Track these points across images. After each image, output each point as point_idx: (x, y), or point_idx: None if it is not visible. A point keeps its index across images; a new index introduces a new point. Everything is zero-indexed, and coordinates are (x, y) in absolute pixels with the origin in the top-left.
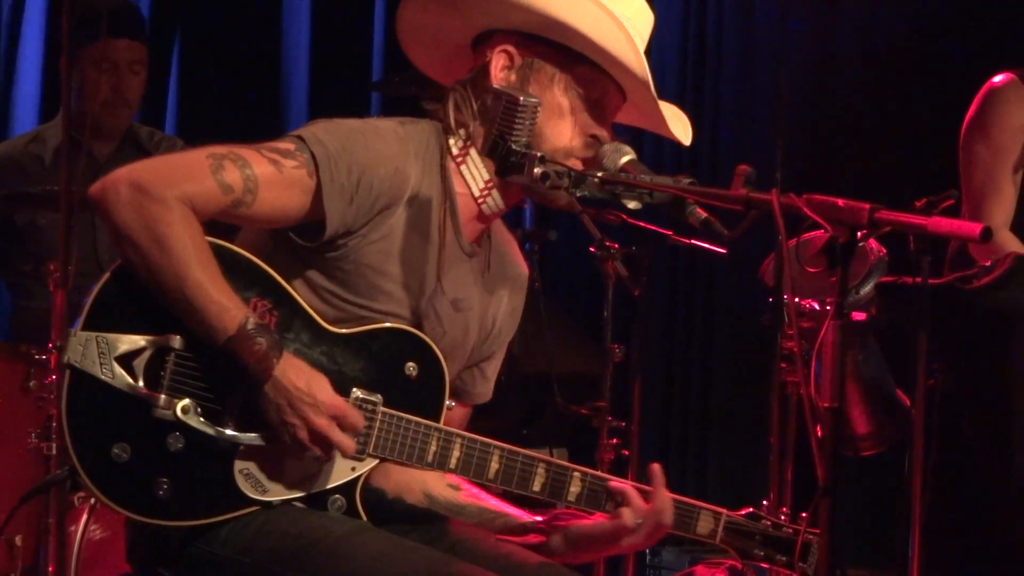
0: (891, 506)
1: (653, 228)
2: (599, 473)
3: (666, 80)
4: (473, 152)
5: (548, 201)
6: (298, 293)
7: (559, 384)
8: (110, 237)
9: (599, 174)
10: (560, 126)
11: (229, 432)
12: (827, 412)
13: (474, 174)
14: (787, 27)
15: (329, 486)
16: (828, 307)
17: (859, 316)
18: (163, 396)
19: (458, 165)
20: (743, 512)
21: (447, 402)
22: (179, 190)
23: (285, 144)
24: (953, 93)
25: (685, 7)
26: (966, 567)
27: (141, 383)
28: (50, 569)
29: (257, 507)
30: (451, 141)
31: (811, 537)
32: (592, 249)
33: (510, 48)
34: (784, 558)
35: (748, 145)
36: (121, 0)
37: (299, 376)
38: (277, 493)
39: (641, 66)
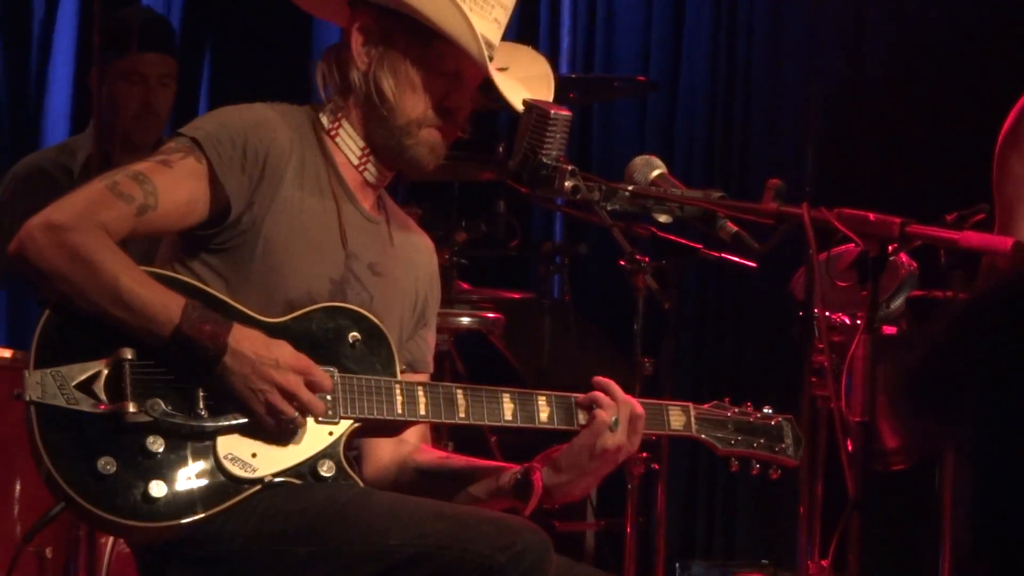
0: (921, 520)
1: (683, 242)
2: (562, 393)
3: (695, 93)
4: (345, 123)
5: (581, 209)
6: (225, 296)
7: None
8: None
9: (630, 188)
10: (414, 99)
11: (203, 422)
12: (857, 426)
13: (349, 144)
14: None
15: (315, 452)
16: (859, 321)
17: (890, 330)
18: (131, 404)
19: (332, 138)
20: (707, 406)
21: (399, 366)
22: (91, 219)
23: (168, 144)
24: (986, 104)
25: (715, 21)
26: None
27: (105, 399)
28: None
29: (253, 488)
30: (322, 117)
31: (781, 420)
32: (622, 263)
33: (369, 24)
34: (762, 440)
35: (779, 159)
36: (151, 13)
37: (255, 342)
38: (266, 468)
39: (480, 53)
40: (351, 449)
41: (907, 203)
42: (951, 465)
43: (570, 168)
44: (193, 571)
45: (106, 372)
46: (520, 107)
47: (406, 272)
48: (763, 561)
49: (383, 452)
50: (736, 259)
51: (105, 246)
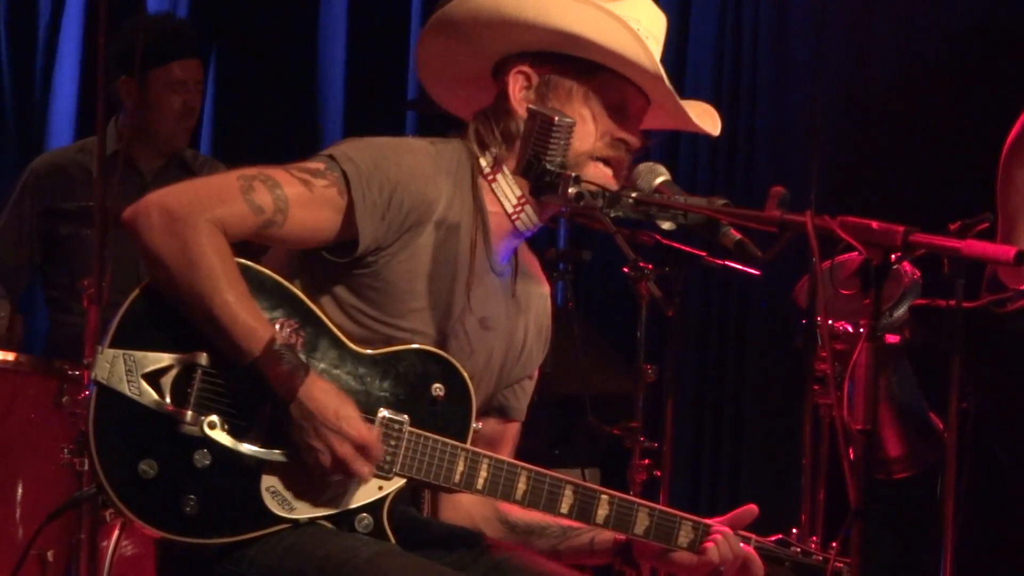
0: (923, 529)
1: (687, 249)
2: (627, 496)
3: (700, 100)
4: (505, 169)
5: (587, 217)
6: (325, 312)
7: (591, 404)
8: (142, 260)
9: (633, 194)
10: (583, 133)
11: (255, 449)
12: (859, 434)
13: (506, 192)
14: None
15: (356, 505)
16: (861, 329)
17: (892, 339)
18: (190, 412)
19: (489, 183)
20: (773, 539)
21: (474, 424)
22: (210, 213)
23: (315, 164)
24: (991, 114)
25: (720, 27)
26: None
27: (168, 400)
28: None
29: (284, 525)
30: (482, 161)
31: (841, 565)
32: (625, 269)
33: (525, 68)
34: None
35: (783, 167)
36: (178, 20)
37: (326, 400)
38: (303, 511)
39: (651, 61)
40: (401, 502)
41: (911, 212)
42: (952, 473)
43: (574, 175)
44: None
45: (177, 370)
46: (705, 127)
47: (517, 322)
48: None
49: (464, 498)
50: (739, 267)
51: (215, 251)
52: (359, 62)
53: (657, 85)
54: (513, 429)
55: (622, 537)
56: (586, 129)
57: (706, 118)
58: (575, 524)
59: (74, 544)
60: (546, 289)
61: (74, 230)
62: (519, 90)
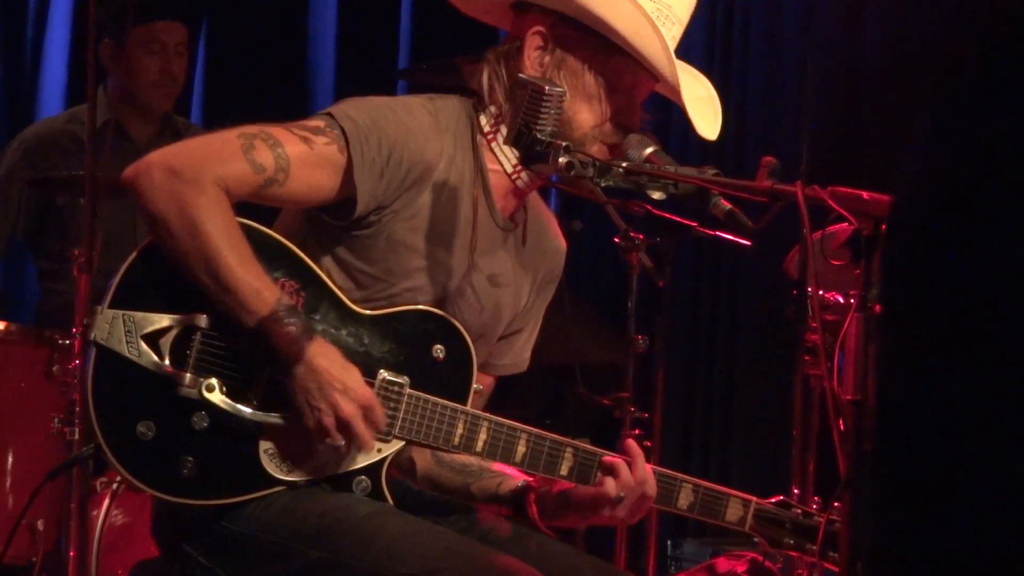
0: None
1: (678, 219)
2: (618, 456)
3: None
4: (504, 128)
5: (574, 187)
6: (329, 273)
7: (582, 374)
8: (144, 220)
9: (624, 164)
10: (588, 112)
11: (254, 412)
12: (850, 405)
13: (506, 151)
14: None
15: (355, 467)
16: (852, 300)
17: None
18: (188, 375)
19: (489, 142)
20: (773, 500)
21: (474, 385)
22: (212, 173)
23: (315, 122)
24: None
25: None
26: None
27: (167, 361)
28: (71, 554)
29: (282, 487)
30: (482, 118)
31: (839, 526)
32: (616, 240)
33: (545, 30)
34: (815, 547)
35: (774, 137)
36: None
37: (332, 362)
38: (302, 473)
39: (673, 74)
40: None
41: None
42: None
43: (564, 144)
44: (204, 544)
45: (176, 331)
46: (709, 136)
47: (524, 278)
48: (755, 540)
49: None
50: (730, 237)
51: (217, 211)
52: (350, 31)
53: (672, 91)
54: (488, 383)
55: (530, 481)
56: (593, 109)
57: (708, 113)
58: (495, 468)
59: (64, 513)
60: (561, 243)
61: (70, 200)
62: (534, 49)
